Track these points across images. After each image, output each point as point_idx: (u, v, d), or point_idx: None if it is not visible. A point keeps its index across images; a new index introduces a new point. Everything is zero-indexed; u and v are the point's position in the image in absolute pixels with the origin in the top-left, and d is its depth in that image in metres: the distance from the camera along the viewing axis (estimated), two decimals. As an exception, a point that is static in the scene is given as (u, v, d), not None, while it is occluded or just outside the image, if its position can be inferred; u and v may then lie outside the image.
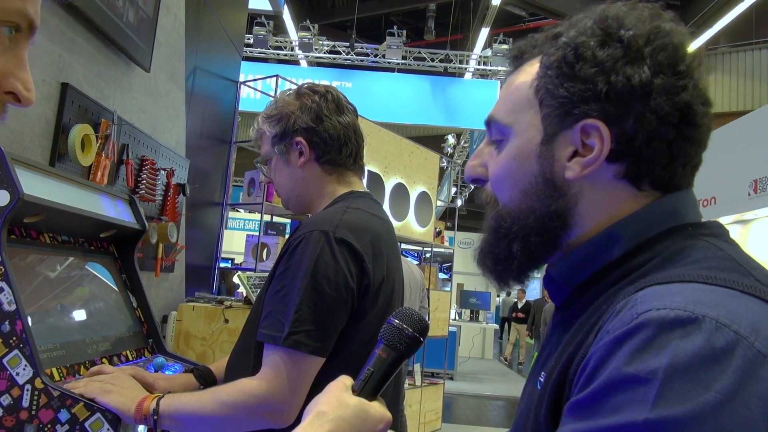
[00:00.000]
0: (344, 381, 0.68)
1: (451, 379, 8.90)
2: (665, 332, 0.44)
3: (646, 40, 0.57)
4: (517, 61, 0.67)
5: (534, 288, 14.05)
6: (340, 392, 0.66)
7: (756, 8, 10.63)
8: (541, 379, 0.59)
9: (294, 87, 1.36)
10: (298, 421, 0.69)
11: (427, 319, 4.10)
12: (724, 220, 8.87)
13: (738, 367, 0.43)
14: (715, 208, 8.68)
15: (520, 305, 12.56)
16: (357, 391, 0.67)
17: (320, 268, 1.08)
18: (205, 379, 1.34)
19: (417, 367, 5.85)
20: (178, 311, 2.83)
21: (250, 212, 6.16)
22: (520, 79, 0.65)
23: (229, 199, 4.13)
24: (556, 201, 0.60)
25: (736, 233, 8.63)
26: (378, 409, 0.67)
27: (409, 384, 5.54)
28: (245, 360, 1.15)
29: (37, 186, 1.22)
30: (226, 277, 5.82)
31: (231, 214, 10.76)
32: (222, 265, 4.30)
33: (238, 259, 6.52)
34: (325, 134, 1.26)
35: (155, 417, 1.06)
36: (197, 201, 3.44)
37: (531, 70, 0.64)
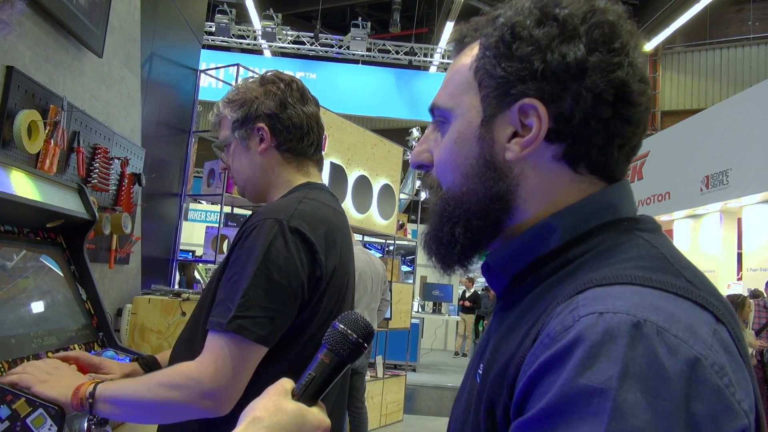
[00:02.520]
0: (284, 385, 0.65)
1: (414, 370, 8.97)
2: (612, 338, 0.44)
3: (581, 18, 0.57)
4: (460, 44, 0.66)
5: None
6: (278, 397, 0.64)
7: (710, 10, 10.98)
8: (480, 372, 0.59)
9: (257, 75, 1.34)
10: (234, 418, 0.66)
11: (386, 315, 4.06)
12: (677, 215, 9.21)
13: (682, 373, 0.43)
14: (669, 203, 8.96)
15: (468, 293, 12.58)
16: (297, 396, 0.64)
17: (272, 256, 1.06)
18: (150, 367, 1.30)
19: (379, 359, 5.87)
20: (133, 304, 2.76)
21: (211, 204, 6.05)
22: (460, 62, 0.65)
23: (189, 190, 4.04)
24: (497, 183, 0.60)
25: (688, 227, 8.94)
26: (317, 415, 0.65)
27: (371, 376, 5.55)
28: (189, 348, 1.13)
29: (-23, 173, 1.16)
30: (185, 269, 5.71)
31: (192, 205, 10.57)
32: (181, 257, 4.21)
33: (199, 252, 6.40)
34: (288, 122, 1.25)
35: (90, 400, 1.02)
36: (154, 191, 3.36)
37: (471, 52, 0.63)
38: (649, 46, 11.97)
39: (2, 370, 1.12)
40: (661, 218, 8.83)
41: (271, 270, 1.06)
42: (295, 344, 1.13)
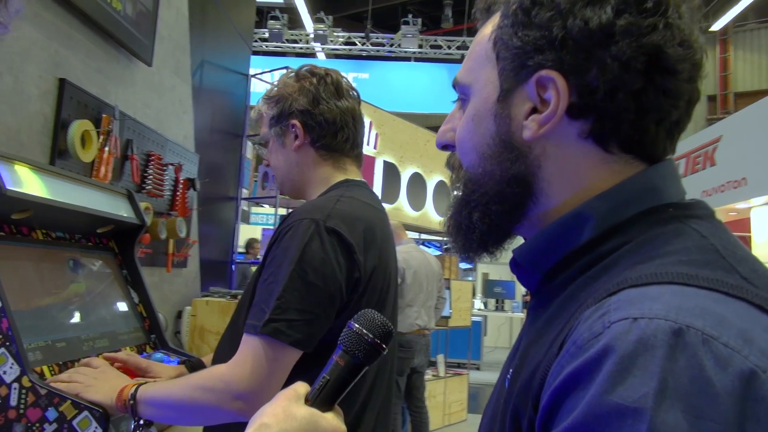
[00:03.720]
0: (297, 389, 0.61)
1: (478, 369, 8.83)
2: (647, 349, 0.38)
3: None
4: (486, 14, 0.60)
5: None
6: (288, 402, 0.59)
7: (786, -20, 10.24)
8: (509, 377, 0.54)
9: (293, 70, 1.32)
10: None
11: (444, 312, 3.99)
12: (755, 201, 8.65)
13: (734, 390, 0.36)
14: (746, 189, 8.41)
15: None
16: (311, 401, 0.60)
17: (307, 257, 1.03)
18: (196, 369, 1.31)
19: (440, 358, 5.80)
20: (192, 306, 2.83)
21: (269, 206, 6.18)
22: (482, 33, 0.59)
23: (249, 193, 4.13)
24: (514, 164, 0.54)
25: (767, 215, 8.36)
26: (330, 421, 0.60)
27: (432, 375, 5.49)
28: (230, 351, 1.12)
29: (24, 182, 1.20)
30: (246, 271, 5.84)
31: (254, 209, 10.83)
32: (239, 259, 4.30)
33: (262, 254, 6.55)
34: (320, 118, 1.22)
35: (131, 402, 1.03)
36: (211, 196, 3.44)
37: (494, 22, 0.57)
38: (717, 26, 11.31)
39: (53, 372, 1.15)
40: (738, 206, 8.31)
41: (307, 272, 1.03)
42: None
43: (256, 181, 5.22)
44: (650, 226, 0.49)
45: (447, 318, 5.63)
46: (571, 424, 0.39)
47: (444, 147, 0.63)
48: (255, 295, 1.09)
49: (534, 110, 0.53)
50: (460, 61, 11.31)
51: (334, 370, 0.61)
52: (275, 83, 1.31)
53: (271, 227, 4.57)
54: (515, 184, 0.54)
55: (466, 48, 10.62)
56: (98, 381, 1.09)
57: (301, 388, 0.61)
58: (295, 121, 1.23)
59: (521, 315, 12.36)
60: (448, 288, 5.38)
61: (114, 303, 1.52)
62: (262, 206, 11.77)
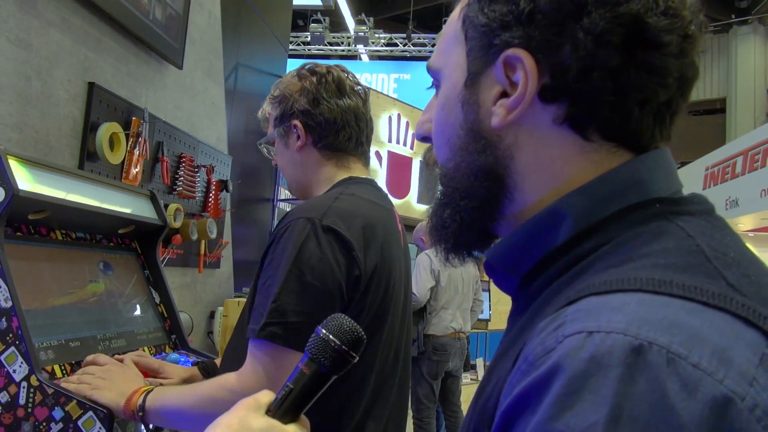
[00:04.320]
0: (259, 398, 0.57)
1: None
2: (600, 369, 0.33)
3: None
4: None
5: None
6: (246, 412, 0.55)
7: None
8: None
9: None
10: None
11: (481, 311, 3.87)
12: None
13: (702, 421, 0.31)
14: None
15: None
16: (272, 411, 0.56)
17: (304, 257, 1.01)
18: (209, 371, 1.30)
19: (479, 362, 5.69)
20: (224, 306, 2.86)
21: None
22: (454, 13, 0.54)
23: (283, 194, 4.15)
24: (482, 155, 0.49)
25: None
26: None
27: (471, 379, 5.40)
28: (235, 355, 1.11)
29: (42, 183, 1.22)
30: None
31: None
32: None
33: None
34: (320, 118, 1.19)
35: (141, 413, 1.03)
36: (246, 197, 3.47)
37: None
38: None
39: (64, 372, 1.16)
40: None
41: (303, 272, 1.00)
42: None
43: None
44: (631, 225, 0.44)
45: (486, 321, 5.53)
46: None
47: (423, 139, 0.59)
48: (255, 299, 1.07)
49: (504, 94, 0.48)
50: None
51: (299, 378, 0.57)
52: (279, 83, 1.30)
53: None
54: (483, 177, 0.49)
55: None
56: (107, 382, 1.09)
57: (264, 397, 0.57)
58: (297, 122, 1.21)
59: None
60: (488, 290, 5.28)
61: (134, 303, 1.54)
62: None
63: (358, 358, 0.58)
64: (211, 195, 2.70)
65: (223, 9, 2.82)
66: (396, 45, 10.89)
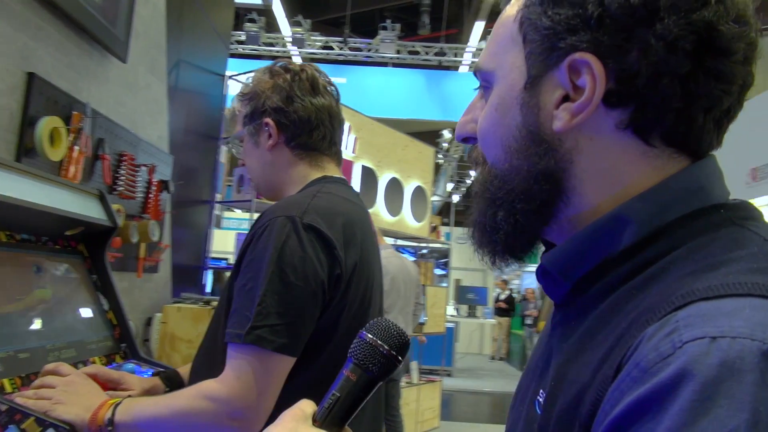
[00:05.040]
0: (303, 408, 0.55)
1: (449, 375, 8.82)
2: (734, 374, 0.33)
3: None
4: None
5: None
6: (295, 423, 0.53)
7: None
8: (540, 400, 0.48)
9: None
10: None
11: (422, 317, 3.94)
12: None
13: None
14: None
15: (502, 296, 12.16)
16: (319, 422, 0.54)
17: (286, 257, 0.98)
18: (172, 381, 1.24)
19: (414, 365, 5.76)
20: (163, 313, 2.73)
21: (243, 210, 6.06)
22: (506, 14, 0.53)
23: (222, 197, 4.03)
24: (542, 158, 0.49)
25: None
26: None
27: (406, 382, 5.45)
28: (209, 361, 1.06)
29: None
30: (221, 277, 5.72)
31: (227, 213, 10.65)
32: (213, 264, 4.19)
33: (232, 259, 6.42)
34: (294, 116, 1.17)
35: (110, 428, 0.96)
36: (184, 199, 3.34)
37: (519, 1, 0.51)
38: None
39: (15, 387, 1.06)
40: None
41: (286, 272, 0.97)
42: (323, 350, 1.04)
43: (229, 185, 5.12)
44: (701, 231, 0.44)
45: (422, 324, 5.60)
46: None
47: (464, 140, 0.58)
48: (233, 302, 1.03)
49: (566, 98, 0.48)
50: (437, 67, 11.35)
51: (344, 386, 0.54)
52: (250, 80, 1.26)
53: (246, 232, 4.48)
54: (543, 180, 0.49)
55: (444, 54, 10.66)
56: (69, 396, 1.01)
57: (307, 407, 0.55)
58: (269, 120, 1.17)
59: (492, 321, 12.39)
60: (424, 294, 5.35)
61: (82, 310, 1.44)
62: (234, 211, 11.60)
63: (402, 363, 0.56)
64: (151, 196, 2.58)
65: (167, 1, 2.70)
66: (332, 48, 10.85)
